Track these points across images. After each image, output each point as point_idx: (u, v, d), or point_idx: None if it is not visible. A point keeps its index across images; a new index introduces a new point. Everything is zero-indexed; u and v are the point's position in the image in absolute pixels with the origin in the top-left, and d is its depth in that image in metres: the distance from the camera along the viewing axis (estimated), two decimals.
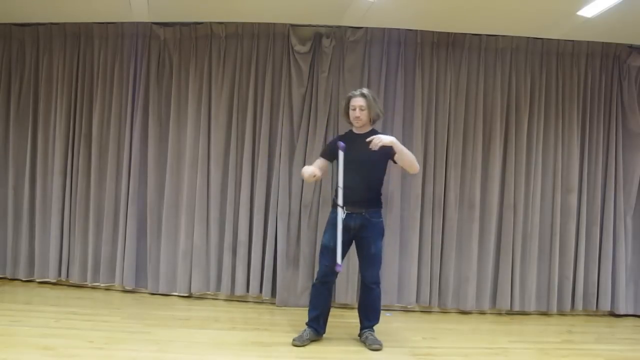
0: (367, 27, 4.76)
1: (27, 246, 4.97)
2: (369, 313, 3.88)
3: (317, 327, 3.82)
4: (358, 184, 3.71)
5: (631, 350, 4.00)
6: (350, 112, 3.79)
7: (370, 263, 3.79)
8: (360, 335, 3.88)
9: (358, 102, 3.76)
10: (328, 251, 3.72)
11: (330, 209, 3.91)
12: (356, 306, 4.74)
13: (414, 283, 4.76)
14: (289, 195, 4.76)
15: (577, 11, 4.13)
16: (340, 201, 3.67)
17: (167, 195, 4.84)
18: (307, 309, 3.88)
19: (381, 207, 3.86)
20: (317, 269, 4.65)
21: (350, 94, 3.85)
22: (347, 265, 4.71)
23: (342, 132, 4.73)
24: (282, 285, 4.73)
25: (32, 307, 4.33)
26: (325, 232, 3.84)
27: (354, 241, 3.82)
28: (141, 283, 4.91)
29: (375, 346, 3.73)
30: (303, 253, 4.73)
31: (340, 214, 3.65)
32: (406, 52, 4.81)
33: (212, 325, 4.15)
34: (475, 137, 4.83)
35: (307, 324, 3.83)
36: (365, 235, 3.76)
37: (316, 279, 3.87)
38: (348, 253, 3.86)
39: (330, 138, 4.76)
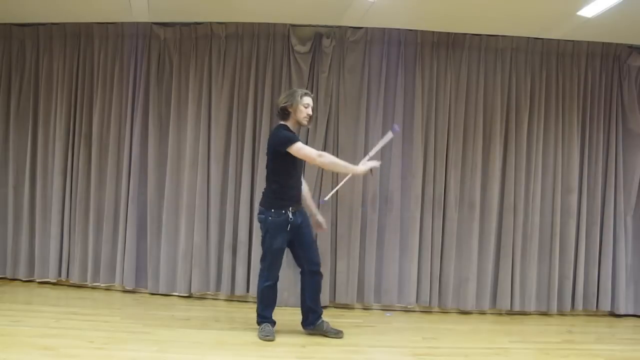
0: (367, 27, 4.76)
1: (27, 246, 4.98)
2: (318, 300, 3.94)
3: (274, 320, 3.90)
4: (300, 182, 3.92)
5: (631, 351, 4.00)
6: (304, 109, 3.79)
7: (315, 247, 3.97)
8: (315, 326, 3.89)
9: (311, 102, 3.85)
10: (282, 254, 3.87)
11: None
12: (356, 306, 4.79)
13: (414, 283, 4.76)
14: None
15: (577, 11, 4.13)
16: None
17: (167, 195, 4.84)
18: (260, 307, 3.87)
19: None
20: None
21: (304, 91, 3.87)
22: (347, 266, 4.73)
23: (343, 131, 4.76)
24: (282, 285, 4.71)
25: (32, 307, 4.33)
26: (274, 237, 3.77)
27: (292, 238, 3.87)
28: (141, 283, 4.91)
29: (340, 334, 3.89)
30: None
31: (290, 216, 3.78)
32: (406, 52, 4.81)
33: (212, 325, 4.15)
34: (475, 137, 4.83)
35: (267, 321, 3.85)
36: (304, 225, 3.88)
37: (273, 280, 3.87)
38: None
39: (330, 138, 4.76)
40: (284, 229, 3.77)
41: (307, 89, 4.74)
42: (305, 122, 3.83)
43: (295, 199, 3.85)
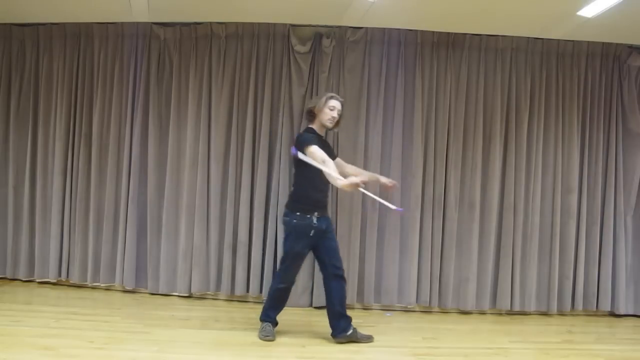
0: (367, 27, 4.76)
1: (27, 246, 4.98)
2: (345, 305, 3.88)
3: (276, 322, 3.90)
4: (328, 187, 3.85)
5: (631, 351, 4.00)
6: (328, 111, 3.80)
7: (338, 253, 3.91)
8: (348, 334, 3.80)
9: (339, 105, 3.85)
10: (302, 259, 3.86)
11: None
12: (356, 306, 4.78)
13: (414, 283, 4.76)
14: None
15: (577, 11, 4.13)
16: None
17: (167, 195, 4.84)
18: (267, 306, 3.87)
19: None
20: (316, 268, 4.67)
21: (332, 94, 3.89)
22: (347, 267, 4.71)
23: (344, 131, 4.74)
24: None
25: (32, 307, 4.33)
26: (296, 240, 3.75)
27: (316, 244, 3.84)
28: (141, 283, 4.91)
29: (372, 339, 3.88)
30: None
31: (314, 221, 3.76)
32: (406, 52, 4.81)
33: (212, 325, 4.15)
34: (475, 137, 4.83)
35: (270, 320, 3.84)
36: (329, 230, 3.89)
37: (288, 283, 3.87)
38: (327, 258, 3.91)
39: (330, 138, 4.74)
40: (307, 234, 3.75)
41: (307, 89, 4.76)
42: (329, 124, 3.83)
43: (320, 204, 3.83)
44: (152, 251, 4.87)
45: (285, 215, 3.85)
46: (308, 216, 3.75)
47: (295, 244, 3.77)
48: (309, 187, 3.78)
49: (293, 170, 3.91)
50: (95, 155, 4.90)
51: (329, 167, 3.53)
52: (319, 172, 3.66)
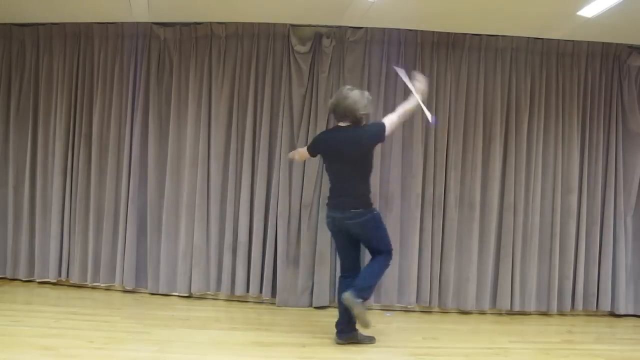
0: (367, 27, 4.76)
1: (27, 246, 4.97)
2: None
3: None
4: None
5: (631, 351, 4.00)
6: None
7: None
8: (351, 335, 3.80)
9: None
10: None
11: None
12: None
13: (414, 283, 4.76)
14: (289, 195, 4.76)
15: (577, 11, 4.13)
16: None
17: (167, 195, 4.84)
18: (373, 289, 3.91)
19: None
20: (317, 269, 4.69)
21: None
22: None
23: None
24: (282, 285, 4.73)
25: (32, 307, 4.34)
26: (383, 222, 3.90)
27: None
28: (141, 283, 4.91)
29: (374, 340, 3.88)
30: (303, 253, 4.72)
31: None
32: (406, 52, 4.81)
33: (212, 325, 4.16)
34: (475, 137, 4.83)
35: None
36: None
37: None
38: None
39: None
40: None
41: (307, 89, 4.77)
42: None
43: None
44: (152, 251, 4.87)
45: (363, 215, 3.70)
46: (375, 205, 3.89)
47: (384, 225, 3.89)
48: (370, 179, 3.83)
49: (354, 168, 3.73)
50: (95, 155, 4.90)
51: (403, 107, 3.85)
52: None
